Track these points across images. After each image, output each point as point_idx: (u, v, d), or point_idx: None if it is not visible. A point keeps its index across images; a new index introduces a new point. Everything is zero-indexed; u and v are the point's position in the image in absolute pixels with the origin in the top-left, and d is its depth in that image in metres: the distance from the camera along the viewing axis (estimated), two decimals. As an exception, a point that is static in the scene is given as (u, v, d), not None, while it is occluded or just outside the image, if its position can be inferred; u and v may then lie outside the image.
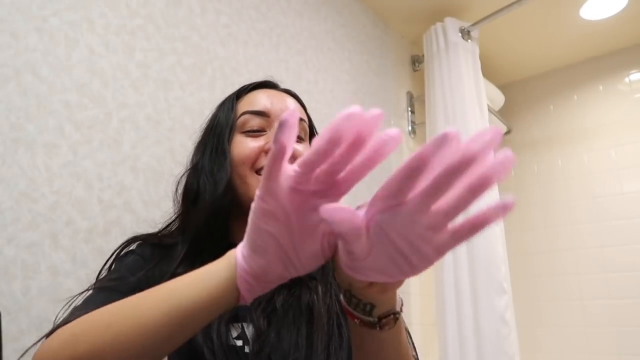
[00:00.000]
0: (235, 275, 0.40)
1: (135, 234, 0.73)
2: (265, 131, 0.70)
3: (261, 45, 1.44)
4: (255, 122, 0.70)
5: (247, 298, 0.41)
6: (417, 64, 2.24)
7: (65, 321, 0.50)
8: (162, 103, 1.13)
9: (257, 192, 0.37)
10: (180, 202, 0.75)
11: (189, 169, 0.74)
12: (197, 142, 0.78)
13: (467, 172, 0.30)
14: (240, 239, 0.45)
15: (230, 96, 0.77)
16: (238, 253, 0.41)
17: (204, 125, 0.78)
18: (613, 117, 2.27)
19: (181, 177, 0.76)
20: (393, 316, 0.48)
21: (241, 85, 0.79)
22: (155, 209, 1.06)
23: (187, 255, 0.66)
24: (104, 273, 0.69)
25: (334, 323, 0.62)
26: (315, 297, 0.63)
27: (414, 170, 0.31)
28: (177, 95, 1.17)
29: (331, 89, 1.68)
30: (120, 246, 0.71)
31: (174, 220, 0.77)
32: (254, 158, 0.68)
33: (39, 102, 0.91)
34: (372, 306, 0.47)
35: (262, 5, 1.47)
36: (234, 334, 0.60)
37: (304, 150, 0.70)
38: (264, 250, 0.38)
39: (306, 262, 0.39)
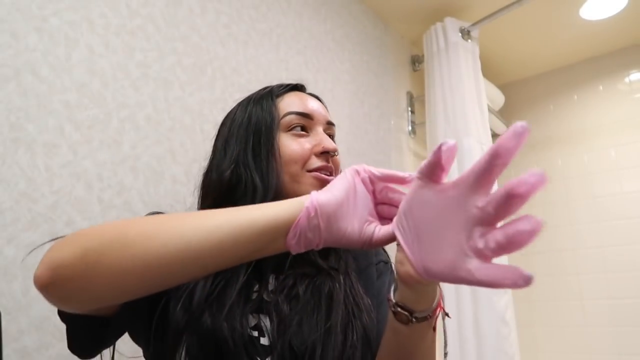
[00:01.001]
0: (303, 203, 0.47)
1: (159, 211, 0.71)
2: (308, 133, 0.72)
3: (261, 45, 1.44)
4: (301, 123, 0.71)
5: (302, 223, 0.46)
6: (417, 64, 2.24)
7: None
8: (162, 103, 1.13)
9: (363, 165, 0.50)
10: (215, 196, 0.71)
11: (233, 165, 0.70)
12: (227, 138, 0.73)
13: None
14: None
15: (264, 95, 0.76)
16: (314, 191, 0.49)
17: (232, 122, 0.75)
18: (613, 117, 2.27)
19: (211, 171, 0.73)
20: (431, 315, 0.51)
21: (268, 85, 0.79)
22: (155, 209, 1.06)
23: None
24: None
25: (350, 312, 0.64)
26: (337, 285, 0.65)
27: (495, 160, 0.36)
28: (177, 95, 1.17)
29: (331, 89, 1.68)
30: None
31: None
32: (306, 158, 0.69)
33: (39, 102, 0.91)
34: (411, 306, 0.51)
35: (262, 5, 1.47)
36: (252, 323, 0.61)
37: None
38: (339, 190, 0.48)
39: (353, 231, 0.48)
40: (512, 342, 1.56)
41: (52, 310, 0.85)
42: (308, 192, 0.66)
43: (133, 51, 1.09)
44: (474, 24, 1.94)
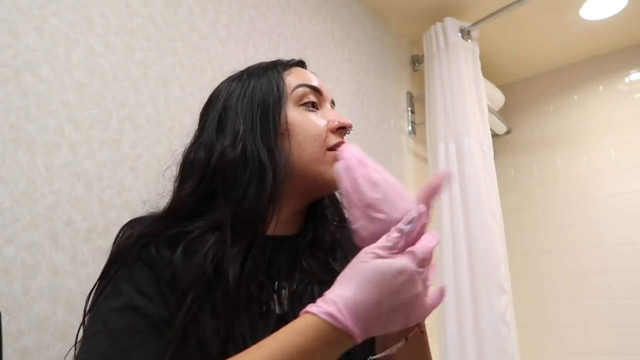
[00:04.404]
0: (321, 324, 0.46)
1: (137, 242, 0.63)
2: (318, 108, 0.69)
3: (261, 45, 1.44)
4: (312, 97, 0.68)
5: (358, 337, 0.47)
6: (417, 64, 2.24)
7: None
8: (162, 103, 1.13)
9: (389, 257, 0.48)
10: (201, 176, 0.64)
11: (241, 143, 0.63)
12: (224, 113, 0.67)
13: None
14: (281, 218, 0.63)
15: (269, 67, 0.70)
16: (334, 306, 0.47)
17: (229, 96, 0.69)
18: (613, 117, 2.27)
19: (198, 149, 0.68)
20: (419, 329, 0.54)
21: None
22: (155, 209, 1.05)
23: (234, 240, 0.59)
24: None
25: None
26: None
27: None
28: (177, 95, 1.17)
29: (331, 89, 1.68)
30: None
31: (192, 194, 0.66)
32: (324, 135, 0.65)
33: (39, 102, 0.91)
34: None
35: (262, 5, 1.47)
36: None
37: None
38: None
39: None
40: (512, 342, 1.56)
41: (52, 310, 0.86)
42: (330, 173, 0.64)
43: (133, 51, 1.09)
44: (474, 24, 1.94)
